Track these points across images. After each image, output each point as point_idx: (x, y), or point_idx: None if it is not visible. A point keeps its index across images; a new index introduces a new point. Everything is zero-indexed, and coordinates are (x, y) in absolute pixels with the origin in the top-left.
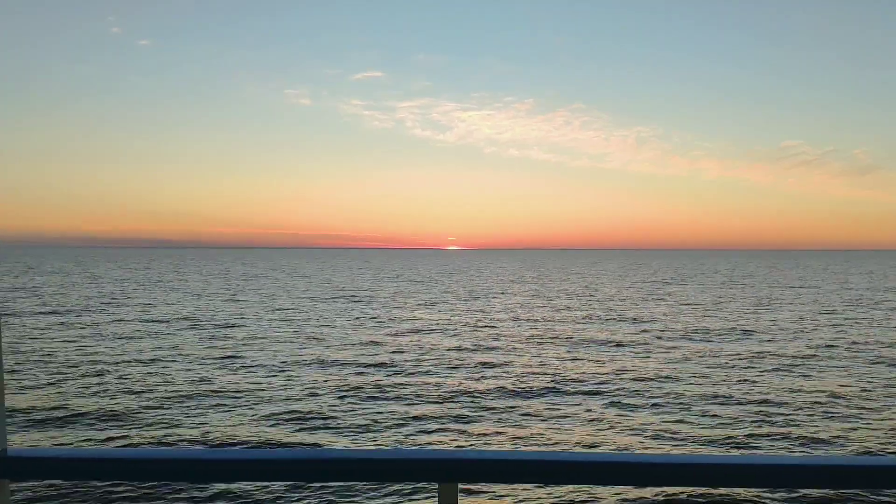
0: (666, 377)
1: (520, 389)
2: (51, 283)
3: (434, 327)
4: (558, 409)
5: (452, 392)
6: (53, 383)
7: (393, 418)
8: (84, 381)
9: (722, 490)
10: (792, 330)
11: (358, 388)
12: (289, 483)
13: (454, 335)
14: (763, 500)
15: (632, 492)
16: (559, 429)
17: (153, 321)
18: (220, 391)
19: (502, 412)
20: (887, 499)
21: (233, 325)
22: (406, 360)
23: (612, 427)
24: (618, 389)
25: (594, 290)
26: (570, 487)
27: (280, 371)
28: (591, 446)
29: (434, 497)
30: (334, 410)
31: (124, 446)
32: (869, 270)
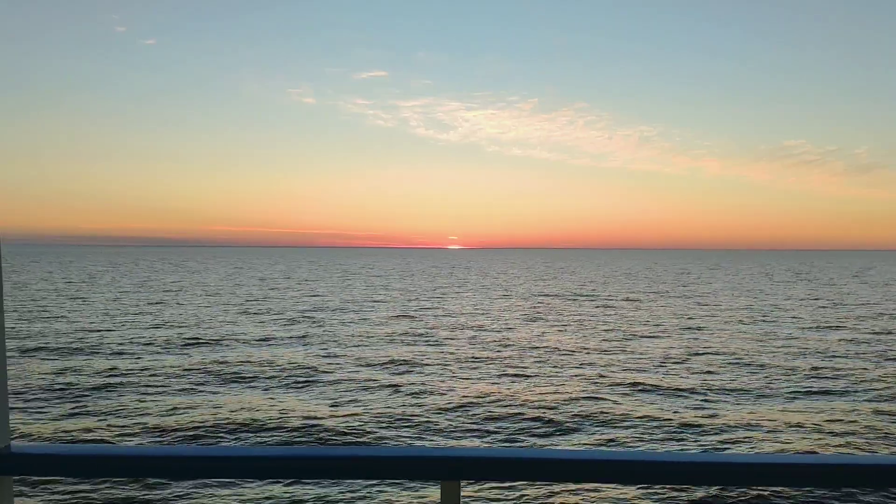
0: None
1: None
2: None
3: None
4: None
5: None
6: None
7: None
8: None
9: (725, 489)
10: None
11: None
12: (291, 480)
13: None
14: (762, 500)
15: (635, 490)
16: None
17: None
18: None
19: None
20: (879, 498)
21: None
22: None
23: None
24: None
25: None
26: (574, 486)
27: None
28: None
29: (437, 495)
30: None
31: (127, 443)
32: None
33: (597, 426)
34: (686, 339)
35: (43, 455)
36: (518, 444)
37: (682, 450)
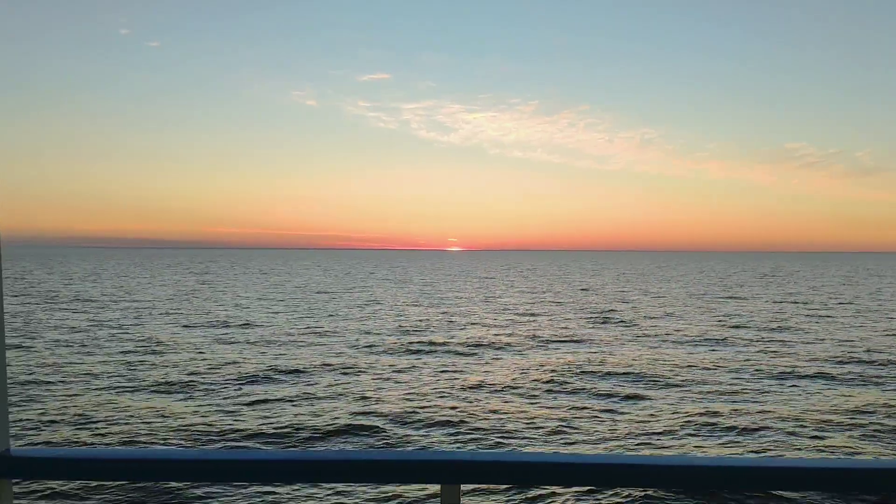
0: None
1: None
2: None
3: None
4: None
5: None
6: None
7: None
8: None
9: (729, 493)
10: None
11: None
12: (290, 484)
13: None
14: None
15: (637, 493)
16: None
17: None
18: None
19: None
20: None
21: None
22: None
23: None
24: None
25: None
26: (574, 489)
27: None
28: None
29: (437, 499)
30: None
31: (128, 446)
32: None
33: None
34: None
35: (43, 458)
36: (517, 448)
37: (683, 454)
